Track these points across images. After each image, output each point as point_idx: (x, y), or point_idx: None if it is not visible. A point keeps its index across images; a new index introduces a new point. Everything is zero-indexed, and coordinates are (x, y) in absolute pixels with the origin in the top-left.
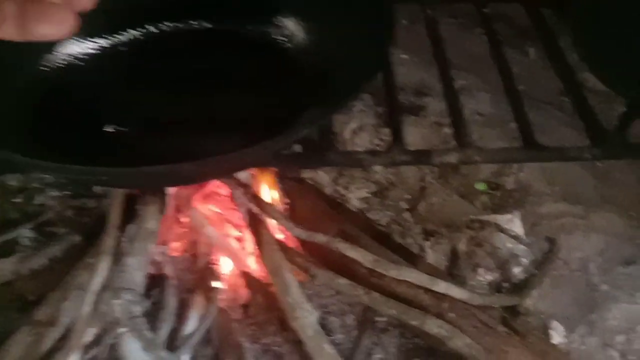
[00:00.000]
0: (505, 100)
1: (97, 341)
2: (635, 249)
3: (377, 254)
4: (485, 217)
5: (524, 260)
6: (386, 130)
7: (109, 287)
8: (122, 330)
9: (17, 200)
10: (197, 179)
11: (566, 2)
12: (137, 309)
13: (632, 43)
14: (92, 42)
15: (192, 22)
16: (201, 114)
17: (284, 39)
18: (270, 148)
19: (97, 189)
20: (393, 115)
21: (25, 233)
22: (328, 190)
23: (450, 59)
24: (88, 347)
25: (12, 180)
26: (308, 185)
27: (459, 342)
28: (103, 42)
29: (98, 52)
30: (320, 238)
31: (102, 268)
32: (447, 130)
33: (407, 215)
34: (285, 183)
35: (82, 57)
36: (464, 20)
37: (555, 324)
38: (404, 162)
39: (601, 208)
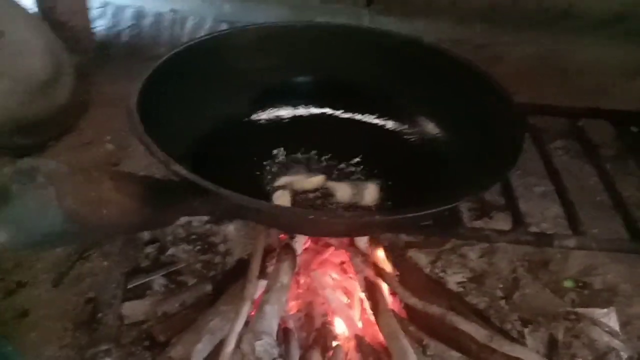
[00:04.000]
0: (584, 208)
1: None
2: None
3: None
4: (582, 310)
5: (623, 354)
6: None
7: (249, 330)
8: None
9: (148, 251)
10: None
11: None
12: (275, 351)
13: None
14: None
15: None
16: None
17: (414, 134)
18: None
19: (222, 247)
20: (512, 201)
21: (157, 280)
22: (426, 272)
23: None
24: None
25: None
26: (411, 262)
27: None
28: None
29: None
30: (434, 309)
31: (245, 312)
32: (535, 230)
33: (502, 302)
34: (394, 257)
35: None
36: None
37: None
38: (527, 242)
39: None
